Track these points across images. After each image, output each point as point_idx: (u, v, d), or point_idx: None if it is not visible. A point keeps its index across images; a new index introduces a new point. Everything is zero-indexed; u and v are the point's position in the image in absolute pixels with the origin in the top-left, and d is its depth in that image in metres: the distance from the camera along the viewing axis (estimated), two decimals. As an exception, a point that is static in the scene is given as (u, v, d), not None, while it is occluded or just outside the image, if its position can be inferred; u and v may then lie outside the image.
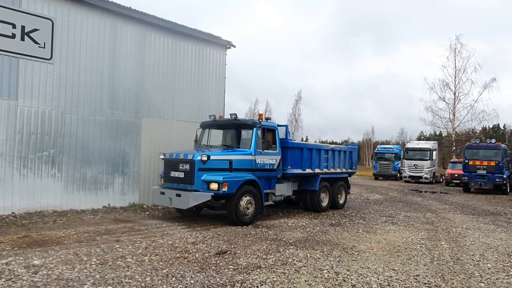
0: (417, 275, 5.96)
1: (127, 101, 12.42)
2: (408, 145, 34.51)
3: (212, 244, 7.45)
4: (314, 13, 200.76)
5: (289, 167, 11.39)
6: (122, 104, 12.29)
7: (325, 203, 13.03)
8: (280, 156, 11.12)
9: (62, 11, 10.89)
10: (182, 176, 9.70)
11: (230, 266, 6.00)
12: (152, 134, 12.91)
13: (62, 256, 6.18)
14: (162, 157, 10.40)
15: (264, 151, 10.48)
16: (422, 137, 65.76)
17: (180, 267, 5.86)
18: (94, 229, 8.68)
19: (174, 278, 5.32)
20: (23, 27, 10.12)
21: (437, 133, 50.00)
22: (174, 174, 9.91)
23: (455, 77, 36.15)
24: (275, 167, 10.90)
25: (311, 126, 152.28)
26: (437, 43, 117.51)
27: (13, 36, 9.96)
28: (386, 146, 41.27)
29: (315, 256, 6.81)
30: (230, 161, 9.80)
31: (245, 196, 9.79)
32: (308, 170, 12.16)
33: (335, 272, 5.93)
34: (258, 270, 5.87)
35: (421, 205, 15.76)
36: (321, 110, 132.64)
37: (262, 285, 5.21)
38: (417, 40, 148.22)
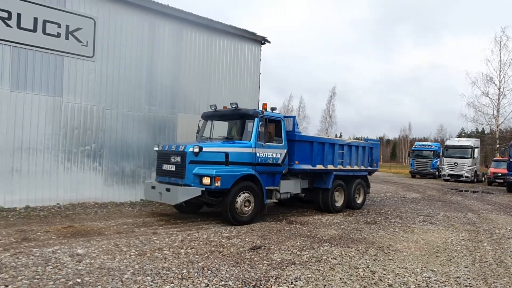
0: (458, 277, 5.75)
1: (163, 97, 12.72)
2: (448, 142, 33.25)
3: (246, 239, 7.51)
4: (349, 3, 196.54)
5: (296, 162, 10.46)
6: (159, 100, 12.60)
7: (339, 203, 12.00)
8: (285, 150, 10.17)
9: (103, 10, 11.27)
10: (174, 169, 9.05)
11: (265, 261, 6.04)
12: (188, 129, 13.14)
13: (103, 246, 6.43)
14: (156, 149, 9.82)
15: (267, 144, 9.61)
16: (463, 134, 63.19)
17: (215, 260, 5.96)
18: (133, 221, 8.98)
19: (209, 271, 5.41)
20: (67, 26, 10.57)
21: (479, 130, 47.85)
22: (166, 167, 9.29)
23: (500, 71, 34.33)
24: (279, 161, 9.97)
25: (346, 123, 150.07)
26: (481, 36, 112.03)
27: (58, 35, 10.42)
28: (424, 143, 39.91)
29: (350, 254, 6.72)
30: (226, 154, 9.01)
31: (243, 193, 8.99)
32: (319, 166, 11.18)
33: (371, 271, 5.83)
34: (292, 266, 5.87)
35: (461, 204, 15.16)
36: (356, 106, 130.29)
37: (296, 281, 5.20)
38: (461, 29, 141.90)
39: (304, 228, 8.94)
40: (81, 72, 10.93)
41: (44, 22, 10.16)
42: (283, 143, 10.14)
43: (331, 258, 6.40)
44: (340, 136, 60.30)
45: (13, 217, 8.81)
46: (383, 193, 18.65)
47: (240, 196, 8.94)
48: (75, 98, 10.82)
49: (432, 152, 34.26)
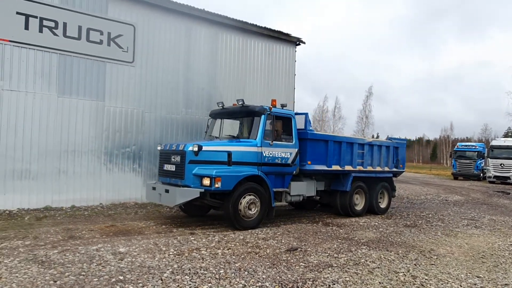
0: (506, 284, 5.46)
1: (200, 99, 12.96)
2: (494, 143, 31.62)
3: (283, 241, 7.50)
4: (386, 0, 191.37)
5: (308, 162, 9.80)
6: (195, 103, 12.85)
7: (359, 206, 11.17)
8: (296, 149, 9.55)
9: (142, 17, 11.65)
10: (174, 169, 8.64)
11: (301, 263, 6.00)
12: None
13: (143, 245, 6.63)
14: (159, 148, 9.44)
15: (274, 142, 9.02)
16: (510, 134, 59.91)
17: (252, 261, 5.99)
18: (171, 221, 9.20)
19: (246, 272, 5.45)
20: (109, 33, 11.01)
21: (528, 130, 45.17)
22: (166, 167, 8.90)
23: (551, 67, 32.26)
24: (289, 161, 9.38)
25: (384, 123, 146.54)
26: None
27: (100, 42, 10.88)
28: (467, 143, 38.18)
29: (389, 258, 6.55)
30: (229, 153, 8.49)
31: (247, 195, 8.44)
32: (336, 167, 10.47)
33: (412, 275, 5.65)
34: (329, 268, 5.80)
35: (509, 208, 14.37)
36: (394, 105, 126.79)
37: (334, 284, 5.14)
38: (510, 24, 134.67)
39: (341, 230, 8.80)
40: (122, 77, 11.34)
41: (88, 30, 10.65)
42: (294, 141, 9.56)
43: (370, 262, 6.26)
44: (377, 137, 58.85)
45: (60, 216, 9.27)
46: (423, 196, 18.02)
47: (244, 198, 8.39)
48: (116, 102, 11.25)
49: (476, 152, 32.72)
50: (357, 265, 6.08)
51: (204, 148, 8.34)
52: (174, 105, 12.40)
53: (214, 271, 5.45)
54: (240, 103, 9.32)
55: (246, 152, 8.74)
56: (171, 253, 6.27)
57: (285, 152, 9.33)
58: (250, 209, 8.50)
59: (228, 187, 8.13)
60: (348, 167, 10.76)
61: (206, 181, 8.02)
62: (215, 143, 8.89)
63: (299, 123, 9.92)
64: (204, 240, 7.27)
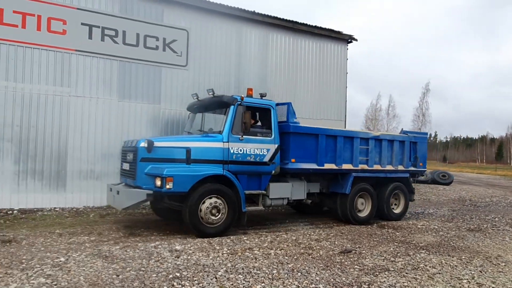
0: None
1: (251, 101, 13.06)
2: None
3: (336, 242, 7.36)
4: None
5: (292, 160, 8.54)
6: (247, 104, 12.97)
7: (364, 212, 9.69)
8: (276, 145, 8.34)
9: (195, 21, 12.01)
10: (128, 168, 7.83)
11: (356, 266, 5.85)
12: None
13: (198, 244, 6.81)
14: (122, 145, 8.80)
15: (246, 137, 7.91)
16: None
17: (305, 263, 5.94)
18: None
19: (299, 273, 5.41)
20: (164, 39, 11.47)
21: None
22: (124, 166, 8.12)
23: None
24: (265, 159, 8.18)
25: (442, 121, 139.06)
26: None
27: (156, 47, 11.36)
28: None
29: (451, 263, 6.19)
30: (188, 150, 7.52)
31: (209, 198, 7.41)
32: (329, 166, 9.08)
33: (477, 283, 5.30)
34: (386, 272, 5.60)
35: None
36: (453, 103, 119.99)
37: (391, 289, 4.95)
38: None
39: (397, 233, 8.47)
40: (176, 80, 11.75)
41: (145, 36, 11.16)
42: (273, 136, 8.36)
43: (430, 267, 5.96)
44: (435, 136, 55.90)
45: (121, 213, 9.79)
46: (488, 198, 16.85)
47: (204, 202, 7.37)
48: (171, 105, 11.67)
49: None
50: (415, 269, 5.81)
51: (157, 144, 7.47)
52: (226, 106, 12.62)
53: (267, 271, 5.47)
54: (210, 93, 8.39)
55: (209, 148, 7.69)
56: (224, 252, 6.38)
57: (260, 148, 8.14)
58: (213, 214, 7.45)
59: (182, 188, 7.15)
60: (346, 166, 9.35)
61: (158, 182, 7.12)
62: (171, 139, 8.18)
63: (280, 114, 8.80)
64: (256, 240, 7.33)
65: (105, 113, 10.74)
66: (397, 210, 10.41)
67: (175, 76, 11.75)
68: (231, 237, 7.52)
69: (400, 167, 10.42)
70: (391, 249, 7.02)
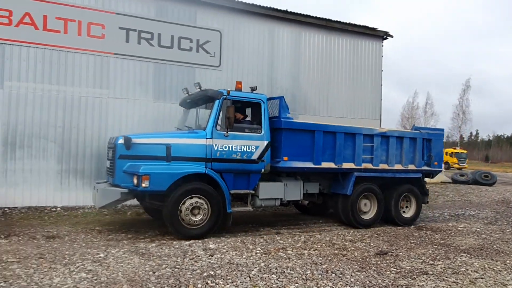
0: None
1: (284, 100, 13.02)
2: None
3: (371, 244, 7.20)
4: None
5: (284, 158, 8.02)
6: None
7: (369, 215, 9.07)
8: (265, 142, 7.88)
9: (228, 22, 12.11)
10: (109, 165, 7.67)
11: (392, 269, 5.70)
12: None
13: (231, 243, 6.87)
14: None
15: (232, 133, 7.52)
16: None
17: (339, 264, 5.85)
18: (257, 220, 9.40)
19: (333, 274, 5.34)
20: (197, 40, 11.65)
21: None
22: (107, 163, 7.97)
23: None
24: (253, 157, 7.74)
25: (484, 118, 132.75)
26: None
27: (190, 49, 11.56)
28: None
29: (495, 268, 5.90)
30: (168, 147, 7.21)
31: (191, 198, 7.09)
32: (327, 165, 8.50)
33: (523, 289, 5.03)
34: (424, 276, 5.42)
35: None
36: (496, 100, 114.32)
37: (429, 293, 4.79)
38: None
39: (436, 236, 8.18)
40: (209, 81, 11.89)
41: (179, 38, 11.38)
42: (263, 132, 7.90)
43: (471, 271, 5.71)
44: (476, 134, 53.49)
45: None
46: (536, 200, 15.92)
47: (185, 202, 7.06)
48: (205, 105, 11.82)
49: None
50: (456, 273, 5.59)
51: (135, 140, 7.19)
52: (259, 106, 12.64)
53: (300, 271, 5.43)
54: (197, 87, 8.03)
55: (190, 145, 7.33)
56: (258, 251, 6.39)
57: (247, 145, 7.71)
58: (194, 215, 7.15)
59: (159, 187, 6.85)
60: (347, 165, 8.74)
61: (135, 180, 6.87)
62: (150, 135, 7.84)
63: (271, 109, 8.38)
64: (290, 240, 7.30)
65: (141, 114, 11.04)
66: (407, 214, 9.64)
67: (209, 77, 11.90)
68: (264, 236, 7.53)
69: (411, 167, 9.65)
70: (430, 251, 6.78)
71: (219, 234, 7.61)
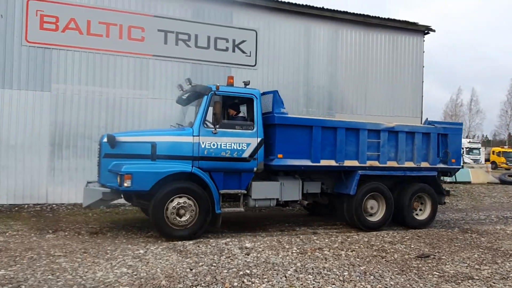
0: None
1: (320, 98, 12.90)
2: None
3: (412, 246, 6.95)
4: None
5: (279, 155, 7.56)
6: (316, 102, 12.83)
7: (377, 216, 8.45)
8: (258, 139, 7.45)
9: (263, 21, 12.14)
10: (97, 164, 7.44)
11: (435, 273, 5.47)
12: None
13: (267, 242, 6.86)
14: None
15: (221, 130, 7.17)
16: None
17: (378, 266, 5.69)
18: (293, 220, 9.36)
19: (372, 277, 5.20)
20: (233, 40, 11.76)
21: None
22: (97, 162, 7.69)
23: None
24: (244, 154, 7.33)
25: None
26: None
27: (226, 49, 11.69)
28: None
29: (548, 275, 5.52)
30: (153, 145, 6.93)
31: (179, 197, 6.83)
32: (327, 162, 7.95)
33: None
34: (469, 281, 5.16)
35: None
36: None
37: (475, 299, 4.55)
38: None
39: (483, 239, 7.76)
40: (245, 80, 11.93)
41: (215, 39, 11.54)
42: (255, 129, 7.48)
43: (522, 277, 5.38)
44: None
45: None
46: None
47: (171, 202, 6.79)
48: (241, 105, 11.91)
49: None
50: (505, 279, 5.28)
51: (119, 139, 6.95)
52: (295, 104, 12.57)
53: (337, 272, 5.33)
54: (187, 83, 7.69)
55: (176, 143, 7.05)
56: (294, 251, 6.34)
57: (238, 142, 7.31)
58: (180, 215, 6.84)
59: (142, 187, 6.61)
60: (350, 163, 8.14)
61: (118, 179, 6.66)
62: (135, 133, 7.67)
63: (265, 105, 7.94)
64: (326, 240, 7.19)
65: (178, 114, 11.24)
66: (421, 216, 8.93)
67: (244, 76, 11.90)
68: (301, 236, 7.46)
69: (425, 164, 8.88)
70: (476, 255, 6.45)
71: (255, 233, 7.63)
